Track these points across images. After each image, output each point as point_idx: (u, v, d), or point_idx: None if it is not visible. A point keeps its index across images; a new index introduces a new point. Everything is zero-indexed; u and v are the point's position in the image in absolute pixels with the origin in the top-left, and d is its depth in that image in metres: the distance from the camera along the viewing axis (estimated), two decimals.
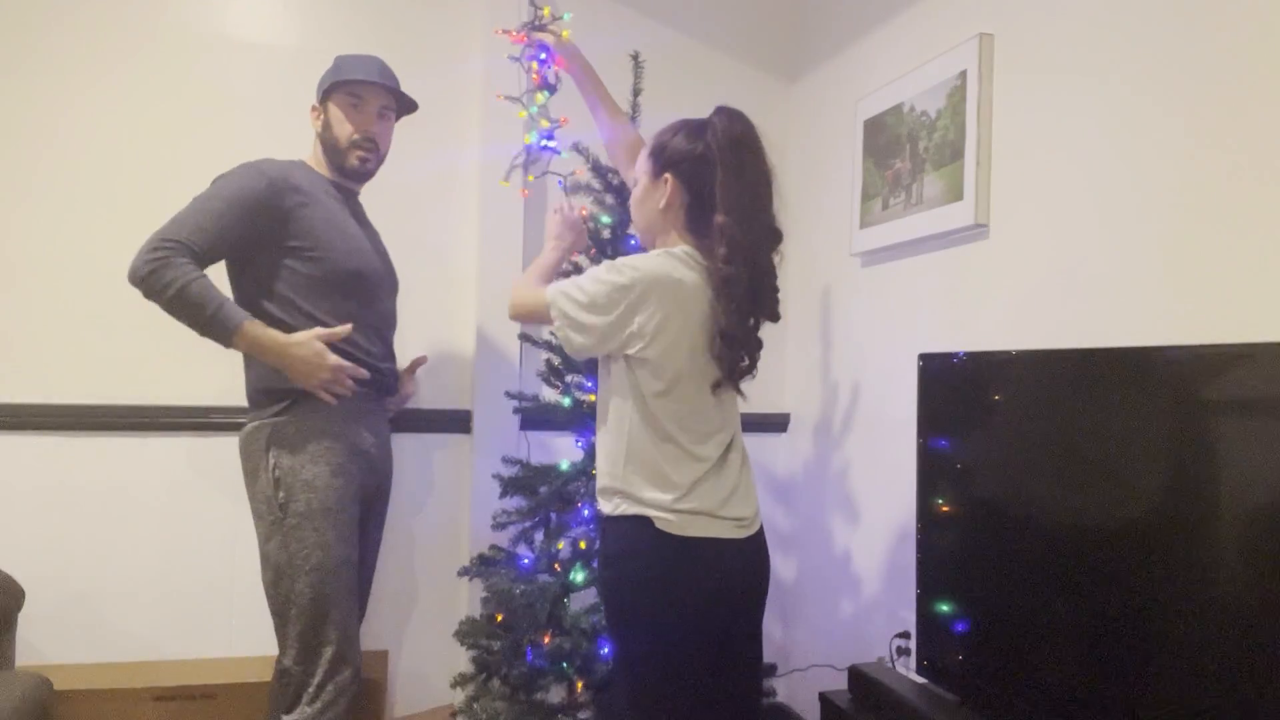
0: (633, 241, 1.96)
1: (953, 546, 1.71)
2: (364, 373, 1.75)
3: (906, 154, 2.13)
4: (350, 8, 2.45)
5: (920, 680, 1.79)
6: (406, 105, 1.94)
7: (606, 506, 1.43)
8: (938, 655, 1.73)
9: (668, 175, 1.42)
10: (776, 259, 1.44)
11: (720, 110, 1.41)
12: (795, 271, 2.78)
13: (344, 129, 1.81)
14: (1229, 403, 1.22)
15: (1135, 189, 1.54)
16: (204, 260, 1.64)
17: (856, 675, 1.89)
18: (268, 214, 1.68)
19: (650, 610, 1.37)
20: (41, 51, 2.21)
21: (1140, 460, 1.32)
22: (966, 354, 1.70)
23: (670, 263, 1.37)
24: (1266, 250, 1.31)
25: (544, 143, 2.12)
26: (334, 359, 1.69)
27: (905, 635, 1.97)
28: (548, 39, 2.00)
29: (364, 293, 1.81)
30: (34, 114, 2.21)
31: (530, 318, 1.51)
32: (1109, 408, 1.38)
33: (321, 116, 1.84)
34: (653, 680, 1.38)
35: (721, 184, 1.35)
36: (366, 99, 1.84)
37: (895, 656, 1.98)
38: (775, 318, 1.45)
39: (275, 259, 1.70)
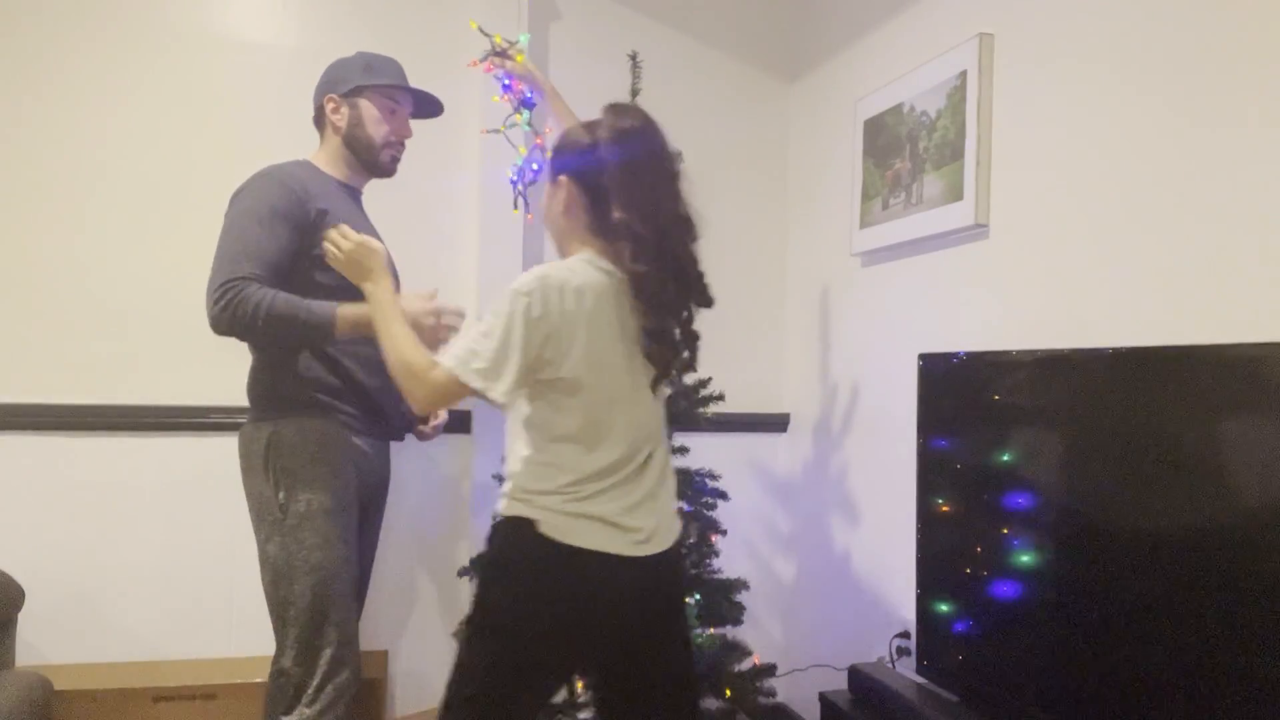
0: None
1: (953, 546, 1.71)
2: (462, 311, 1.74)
3: (906, 154, 2.13)
4: (350, 8, 2.45)
5: (920, 680, 1.79)
6: (429, 112, 1.96)
7: (500, 506, 1.38)
8: (938, 655, 1.73)
9: (562, 177, 1.37)
10: (694, 245, 1.37)
11: (609, 106, 1.37)
12: (795, 271, 2.78)
13: (380, 130, 1.82)
14: (1229, 403, 1.22)
15: (1135, 189, 1.54)
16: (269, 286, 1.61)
17: (856, 675, 1.89)
18: (295, 225, 1.66)
19: (514, 624, 1.30)
20: (40, 53, 2.21)
21: (1140, 460, 1.32)
22: (966, 354, 1.70)
23: (564, 272, 1.30)
24: (1267, 250, 1.31)
25: (533, 165, 2.16)
26: (435, 304, 1.68)
27: (905, 635, 1.97)
28: (505, 64, 2.05)
29: None
30: (33, 115, 2.21)
31: (446, 399, 1.32)
32: (1109, 407, 1.38)
33: (344, 110, 1.81)
34: (488, 693, 1.31)
35: (614, 180, 1.31)
36: (401, 103, 1.86)
37: (895, 656, 1.98)
38: (708, 303, 1.39)
39: (300, 269, 1.68)
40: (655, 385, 1.37)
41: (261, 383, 1.72)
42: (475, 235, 2.48)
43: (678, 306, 1.36)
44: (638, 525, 1.33)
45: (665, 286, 1.32)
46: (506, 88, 2.11)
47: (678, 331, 1.37)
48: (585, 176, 1.34)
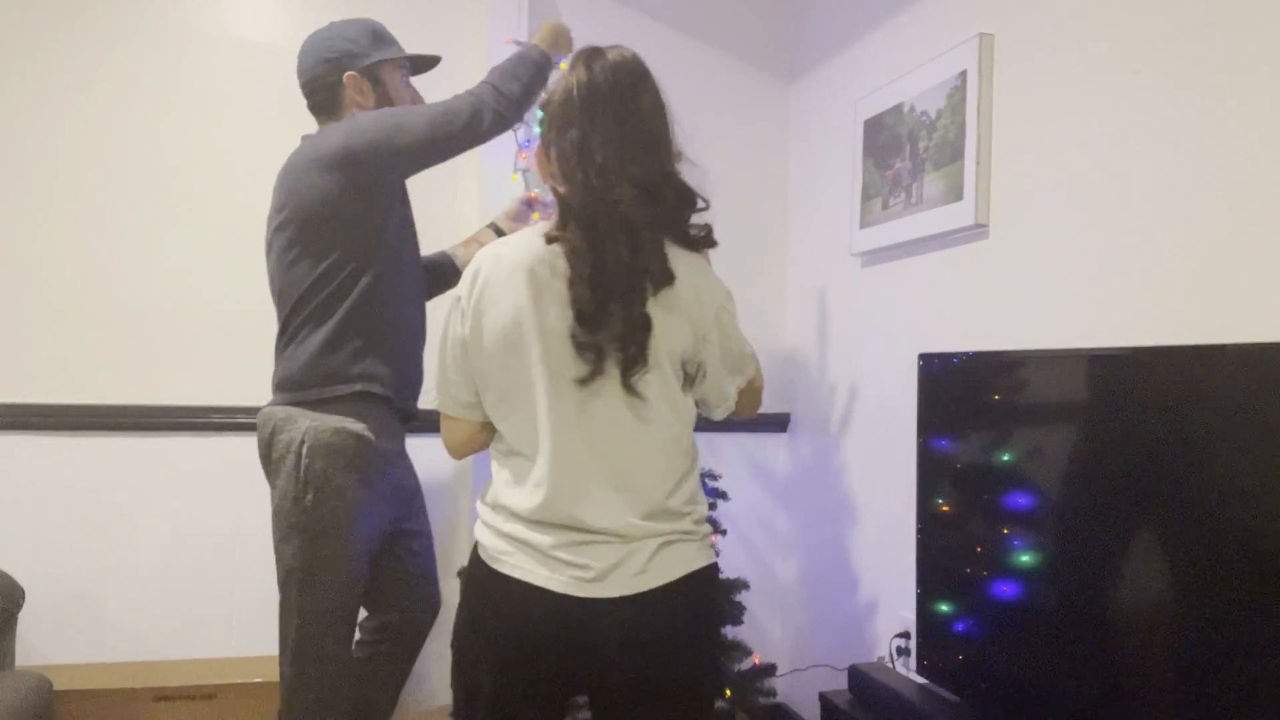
0: None
1: (953, 546, 1.71)
2: None
3: (906, 154, 2.13)
4: (351, 8, 2.44)
5: (920, 680, 1.79)
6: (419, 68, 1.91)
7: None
8: (938, 655, 1.73)
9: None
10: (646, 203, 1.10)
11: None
12: (795, 271, 2.78)
13: (404, 97, 1.74)
14: (1231, 403, 1.22)
15: (1135, 189, 1.54)
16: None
17: (856, 675, 1.89)
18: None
19: (454, 663, 1.21)
20: (41, 52, 2.21)
21: (1141, 460, 1.32)
22: (966, 354, 1.70)
23: (496, 245, 1.17)
24: (1267, 250, 1.31)
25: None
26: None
27: (905, 635, 1.97)
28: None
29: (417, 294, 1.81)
30: (34, 114, 2.21)
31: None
32: (1109, 408, 1.38)
33: (367, 87, 1.69)
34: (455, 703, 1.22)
35: (549, 124, 1.15)
36: (406, 67, 1.79)
37: (895, 656, 1.98)
38: (668, 279, 1.09)
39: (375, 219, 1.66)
40: (583, 383, 1.09)
41: (325, 362, 1.61)
42: (476, 226, 2.47)
43: (616, 288, 1.06)
44: (582, 560, 1.10)
45: (596, 260, 1.06)
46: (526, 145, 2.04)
47: (620, 314, 1.07)
48: (544, 126, 1.16)
